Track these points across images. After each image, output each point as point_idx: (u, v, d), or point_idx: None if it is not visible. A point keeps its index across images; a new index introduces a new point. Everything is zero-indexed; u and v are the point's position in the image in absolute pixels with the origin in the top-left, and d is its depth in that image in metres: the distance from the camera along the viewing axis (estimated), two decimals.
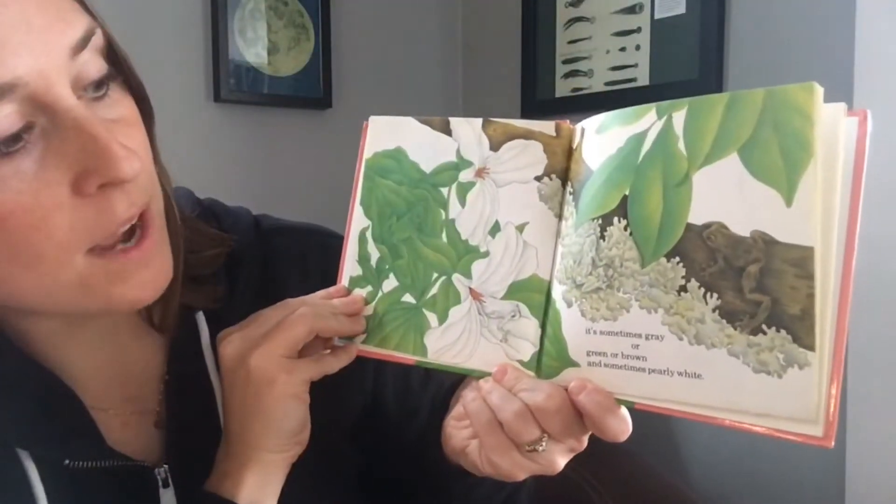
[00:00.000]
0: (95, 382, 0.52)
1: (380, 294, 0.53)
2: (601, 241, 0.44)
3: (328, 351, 0.52)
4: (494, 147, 0.50)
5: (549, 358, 0.47)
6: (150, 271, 0.45)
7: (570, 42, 1.64)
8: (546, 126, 0.49)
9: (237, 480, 0.48)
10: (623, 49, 1.53)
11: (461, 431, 0.51)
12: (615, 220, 0.44)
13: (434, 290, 0.51)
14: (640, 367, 0.43)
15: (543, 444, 0.45)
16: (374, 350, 0.53)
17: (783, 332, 0.37)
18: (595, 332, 0.44)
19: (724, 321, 0.39)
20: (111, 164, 0.40)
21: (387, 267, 0.53)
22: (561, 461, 0.46)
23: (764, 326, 0.38)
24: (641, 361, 0.42)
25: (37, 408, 0.48)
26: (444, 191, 0.51)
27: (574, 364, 0.45)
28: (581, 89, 1.62)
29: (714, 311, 0.40)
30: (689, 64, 1.39)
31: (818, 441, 0.37)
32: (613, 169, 0.44)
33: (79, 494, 0.49)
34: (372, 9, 1.78)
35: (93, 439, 0.49)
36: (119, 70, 0.45)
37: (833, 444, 0.37)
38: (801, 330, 0.37)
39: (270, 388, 0.47)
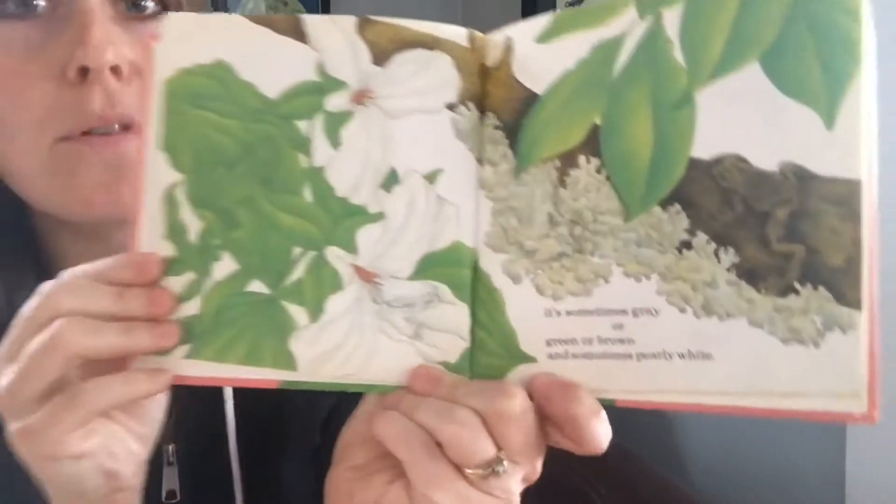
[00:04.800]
0: None
1: (208, 283, 0.35)
2: (561, 189, 0.33)
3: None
4: (379, 60, 0.35)
5: (489, 355, 0.34)
6: (111, 176, 0.43)
7: None
8: (455, 33, 0.35)
9: None
10: None
11: (370, 481, 0.36)
12: (581, 159, 0.32)
13: (298, 273, 0.35)
14: (624, 352, 0.32)
15: (504, 464, 0.32)
16: (204, 368, 0.35)
17: (821, 288, 0.30)
18: (559, 314, 0.33)
19: (742, 282, 0.31)
20: (86, 47, 0.40)
21: (217, 242, 0.35)
22: (517, 493, 0.35)
23: (796, 284, 0.30)
24: (627, 345, 0.32)
25: None
26: (303, 125, 0.35)
27: (528, 359, 0.34)
28: None
29: (729, 270, 0.31)
30: None
31: (862, 418, 0.30)
32: (574, 90, 0.32)
33: None
34: (371, 10, 1.43)
35: None
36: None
37: (878, 418, 0.31)
38: (844, 284, 0.30)
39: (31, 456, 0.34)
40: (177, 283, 0.35)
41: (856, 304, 0.30)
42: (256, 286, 0.35)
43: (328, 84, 0.35)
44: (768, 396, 0.31)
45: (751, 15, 0.30)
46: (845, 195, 0.29)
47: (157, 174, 0.35)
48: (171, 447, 0.49)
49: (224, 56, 0.35)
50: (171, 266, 0.35)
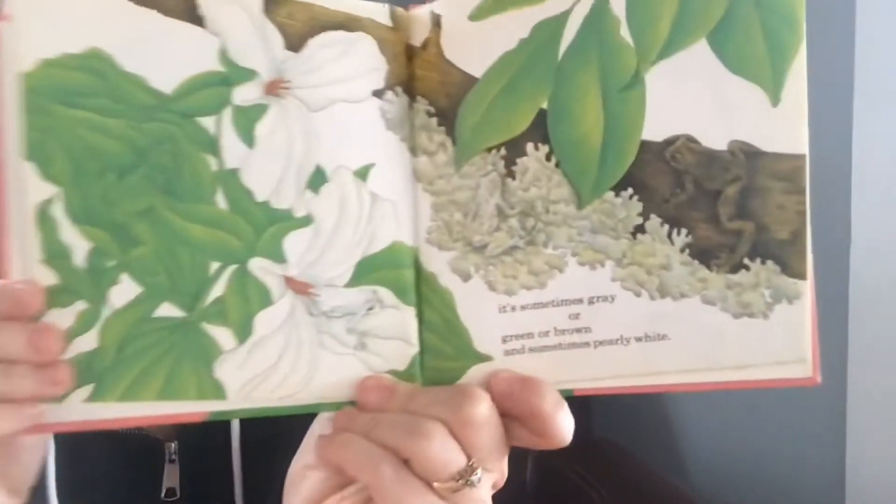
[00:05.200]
0: None
1: (106, 312, 0.30)
2: (509, 179, 0.31)
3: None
4: (294, 45, 0.31)
5: (440, 358, 0.32)
6: None
7: None
8: (375, 10, 0.31)
9: None
10: None
11: None
12: (528, 146, 0.31)
13: (218, 291, 0.31)
14: (582, 341, 0.32)
15: (478, 473, 0.31)
16: (113, 409, 0.30)
17: (770, 262, 0.31)
18: (513, 309, 0.31)
19: (696, 262, 0.31)
20: None
21: (111, 264, 0.30)
22: (490, 500, 0.33)
23: (746, 260, 0.31)
24: (584, 334, 0.31)
25: None
26: (208, 122, 0.30)
27: (483, 358, 0.32)
28: None
29: (683, 251, 0.31)
30: None
31: (807, 382, 0.32)
32: (516, 72, 0.30)
33: (85, 458, 0.45)
34: None
35: None
36: None
37: (820, 380, 0.32)
38: (790, 256, 0.30)
39: None
40: (64, 315, 0.30)
41: (801, 274, 0.31)
42: (167, 310, 0.30)
43: (234, 74, 0.30)
44: (721, 370, 0.32)
45: None
46: (791, 170, 0.30)
47: (25, 188, 0.29)
48: (172, 445, 0.48)
49: (100, 44, 0.29)
50: (55, 296, 0.30)
